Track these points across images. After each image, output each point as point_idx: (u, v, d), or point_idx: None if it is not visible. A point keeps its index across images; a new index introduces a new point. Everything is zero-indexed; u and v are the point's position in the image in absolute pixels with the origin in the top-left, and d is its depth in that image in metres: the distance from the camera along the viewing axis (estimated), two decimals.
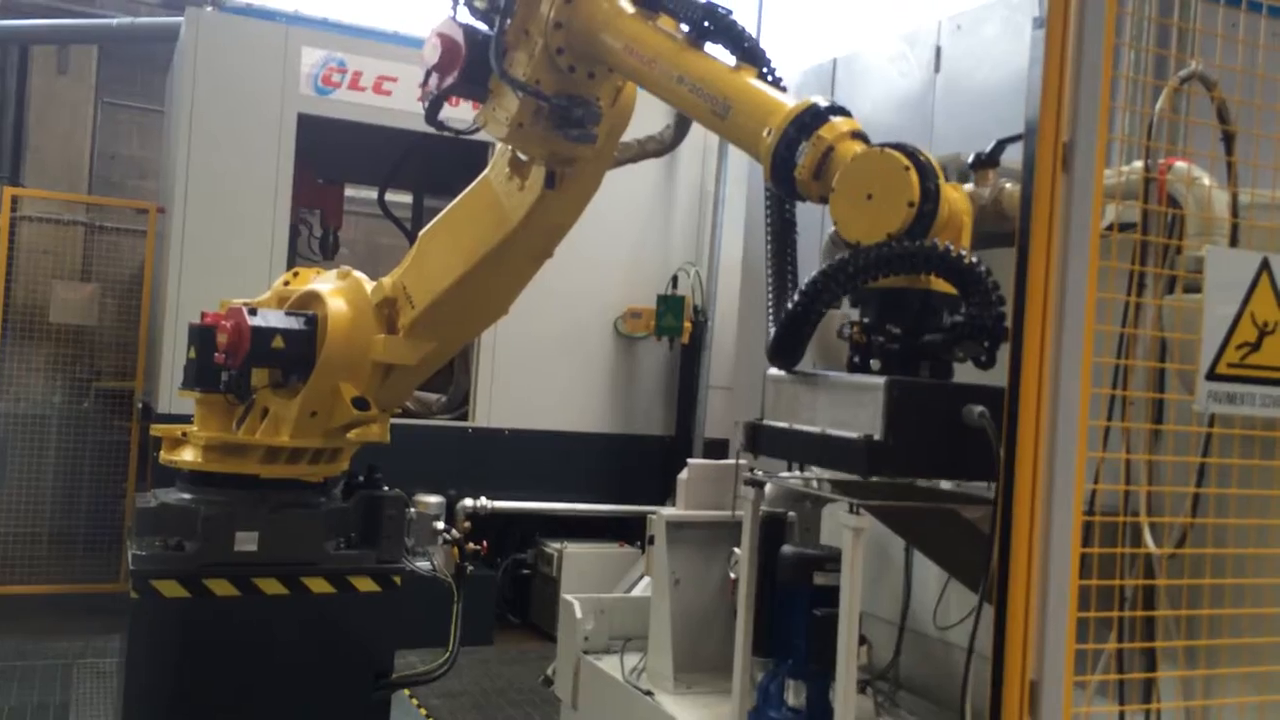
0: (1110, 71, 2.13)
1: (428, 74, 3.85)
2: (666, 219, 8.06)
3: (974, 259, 2.62)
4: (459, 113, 4.11)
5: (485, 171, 4.26)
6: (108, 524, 7.44)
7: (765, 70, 3.25)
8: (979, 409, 2.52)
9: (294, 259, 7.59)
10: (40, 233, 7.77)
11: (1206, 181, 2.51)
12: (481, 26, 3.80)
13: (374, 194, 8.95)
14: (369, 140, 7.55)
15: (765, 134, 3.02)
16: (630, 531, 7.38)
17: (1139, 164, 2.51)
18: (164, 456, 4.58)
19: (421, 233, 4.49)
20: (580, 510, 7.53)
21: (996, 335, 2.55)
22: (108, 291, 7.75)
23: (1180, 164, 2.51)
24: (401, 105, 7.02)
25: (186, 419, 4.79)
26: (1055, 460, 2.02)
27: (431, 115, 3.91)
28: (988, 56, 4.98)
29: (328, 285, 4.50)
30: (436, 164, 7.91)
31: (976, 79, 5.05)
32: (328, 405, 4.34)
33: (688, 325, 7.73)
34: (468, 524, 6.83)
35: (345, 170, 8.75)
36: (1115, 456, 2.36)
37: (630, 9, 3.49)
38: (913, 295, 2.77)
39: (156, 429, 4.71)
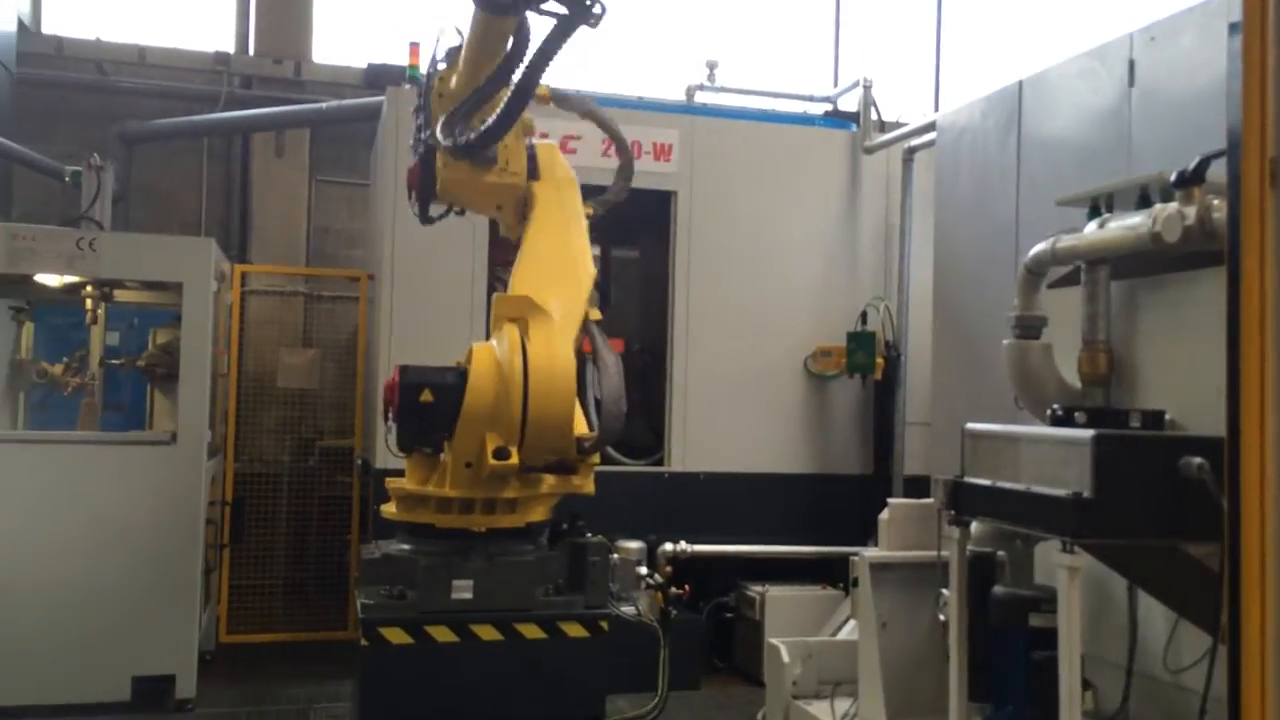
0: None
1: (410, 191, 5.19)
2: (852, 255, 7.99)
3: None
4: None
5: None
6: (334, 574, 7.90)
7: None
8: (1198, 461, 2.40)
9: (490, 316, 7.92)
10: (266, 305, 8.42)
11: None
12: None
13: None
14: None
15: None
16: (832, 572, 7.28)
17: None
18: (383, 508, 4.88)
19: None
20: (780, 552, 7.49)
21: None
22: (327, 355, 8.29)
23: None
24: (587, 162, 7.25)
25: (401, 473, 5.08)
26: None
27: (423, 217, 5.28)
28: (1186, 67, 4.75)
29: (489, 339, 4.69)
30: (623, 216, 8.11)
31: (1175, 91, 4.82)
32: (477, 456, 4.45)
33: (880, 361, 7.61)
34: (669, 568, 6.91)
35: None
36: None
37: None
38: None
39: (390, 482, 4.96)
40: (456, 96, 4.70)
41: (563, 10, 3.55)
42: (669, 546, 7.25)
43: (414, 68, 7.91)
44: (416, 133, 5.18)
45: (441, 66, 4.96)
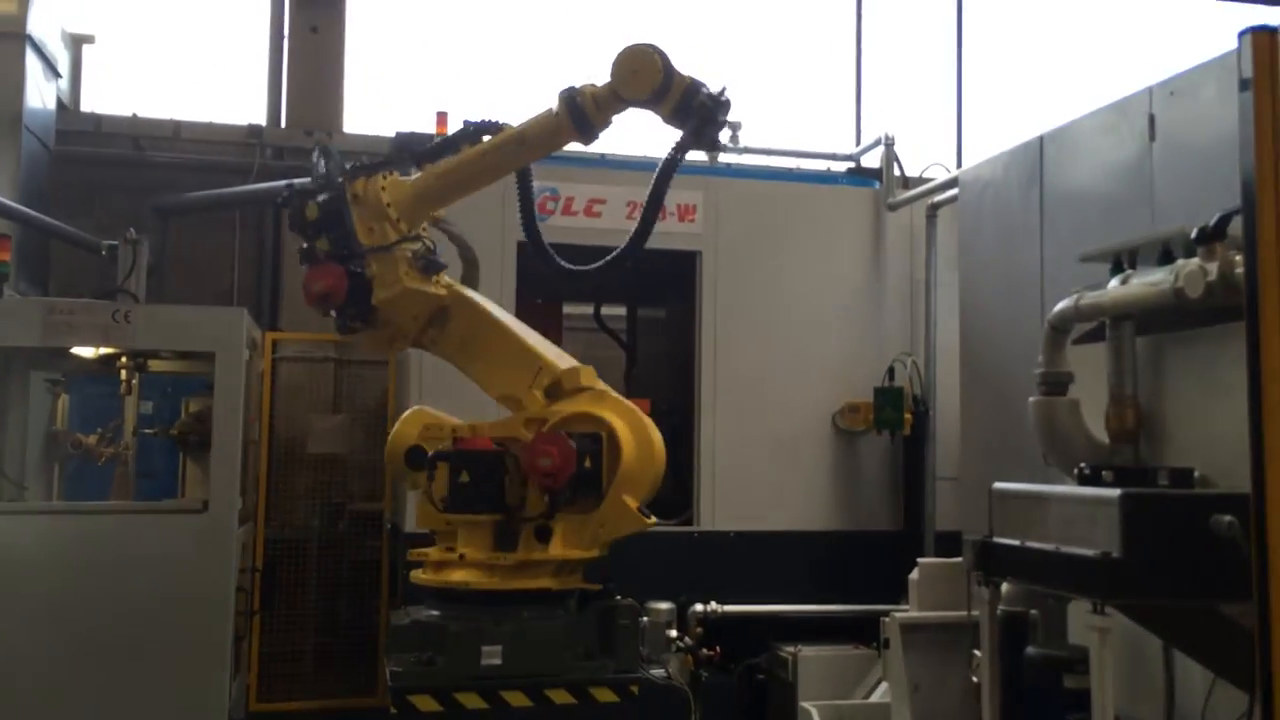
0: None
1: (325, 297, 4.96)
2: (877, 311, 8.00)
3: None
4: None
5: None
6: (364, 640, 7.88)
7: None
8: (1227, 518, 2.38)
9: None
10: (297, 371, 8.50)
11: None
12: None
13: (590, 310, 9.31)
14: (582, 259, 7.91)
15: (554, 113, 4.68)
16: (865, 631, 7.19)
17: None
18: (430, 578, 4.82)
19: (494, 389, 5.18)
20: (812, 611, 7.41)
21: None
22: (356, 421, 8.35)
23: None
24: (611, 224, 7.36)
25: (430, 539, 5.07)
26: None
27: (346, 328, 5.14)
28: (1207, 120, 4.76)
29: (597, 406, 4.93)
30: (647, 277, 8.18)
31: (1197, 144, 4.83)
32: (614, 518, 4.77)
33: (908, 417, 7.58)
34: (700, 630, 6.85)
35: (562, 289, 9.16)
36: None
37: (415, 176, 5.11)
38: None
39: (416, 553, 4.96)
40: (409, 195, 5.08)
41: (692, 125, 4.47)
42: (699, 607, 7.19)
43: (442, 136, 8.05)
44: (318, 241, 4.98)
45: (367, 178, 5.05)
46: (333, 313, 5.05)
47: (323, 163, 5.09)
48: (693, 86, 4.49)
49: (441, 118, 8.13)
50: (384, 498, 7.98)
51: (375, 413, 8.40)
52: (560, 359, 5.12)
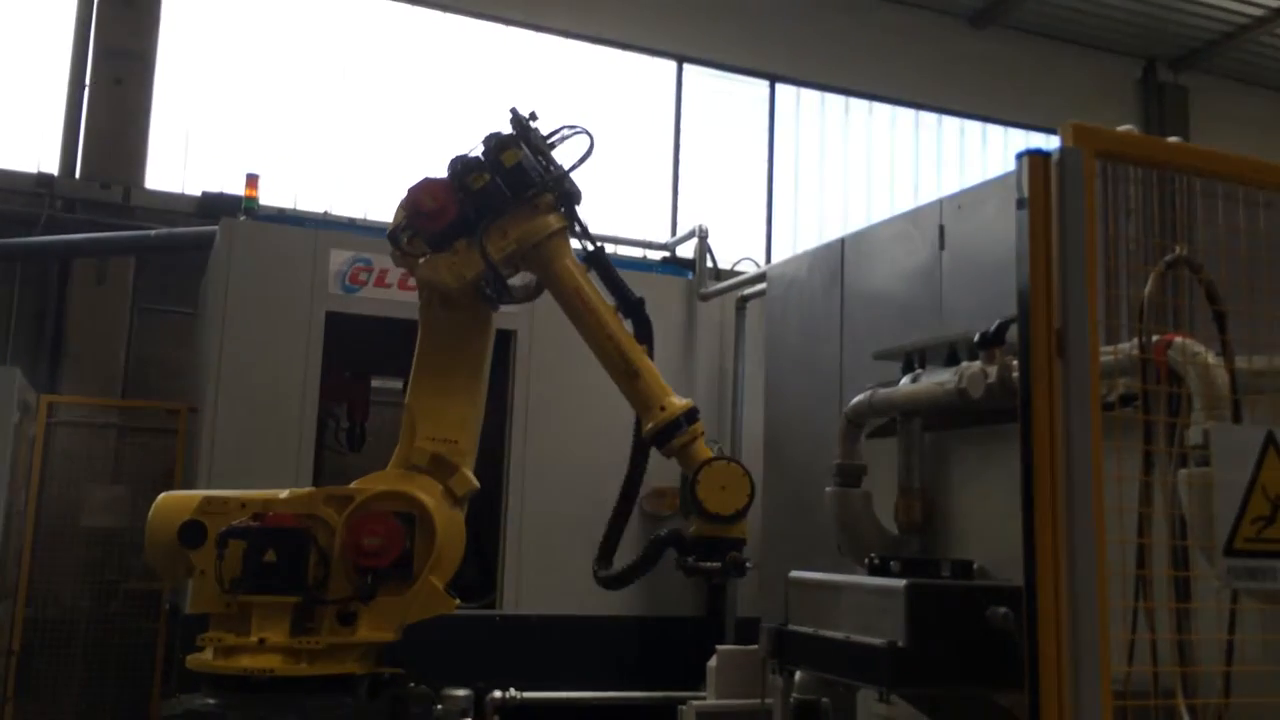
0: (1096, 254, 2.20)
1: (420, 214, 4.59)
2: (687, 397, 8.11)
3: None
4: None
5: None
6: None
7: (650, 351, 4.72)
8: (1002, 610, 2.50)
9: (322, 453, 7.68)
10: (75, 437, 7.94)
11: (1210, 359, 2.54)
12: None
13: (400, 384, 9.09)
14: (394, 333, 7.74)
15: (660, 409, 4.61)
16: (668, 719, 7.16)
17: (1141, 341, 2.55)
18: (222, 664, 4.44)
19: (412, 395, 4.84)
20: (612, 698, 7.33)
21: None
22: (138, 492, 7.82)
23: (1180, 339, 2.57)
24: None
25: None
26: (1078, 644, 2.00)
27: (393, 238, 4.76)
28: (989, 234, 5.12)
29: (407, 485, 4.67)
30: None
31: (980, 255, 5.18)
32: (423, 600, 4.56)
33: None
34: (496, 718, 6.66)
35: (371, 363, 8.93)
36: (1141, 637, 2.32)
37: (578, 264, 4.79)
38: None
39: (208, 637, 4.53)
40: (550, 260, 4.81)
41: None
42: (498, 694, 6.99)
43: (251, 199, 7.79)
44: (480, 174, 4.58)
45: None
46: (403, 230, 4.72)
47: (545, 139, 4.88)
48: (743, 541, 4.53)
49: (252, 180, 7.89)
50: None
51: (160, 484, 7.90)
52: (471, 456, 4.93)
